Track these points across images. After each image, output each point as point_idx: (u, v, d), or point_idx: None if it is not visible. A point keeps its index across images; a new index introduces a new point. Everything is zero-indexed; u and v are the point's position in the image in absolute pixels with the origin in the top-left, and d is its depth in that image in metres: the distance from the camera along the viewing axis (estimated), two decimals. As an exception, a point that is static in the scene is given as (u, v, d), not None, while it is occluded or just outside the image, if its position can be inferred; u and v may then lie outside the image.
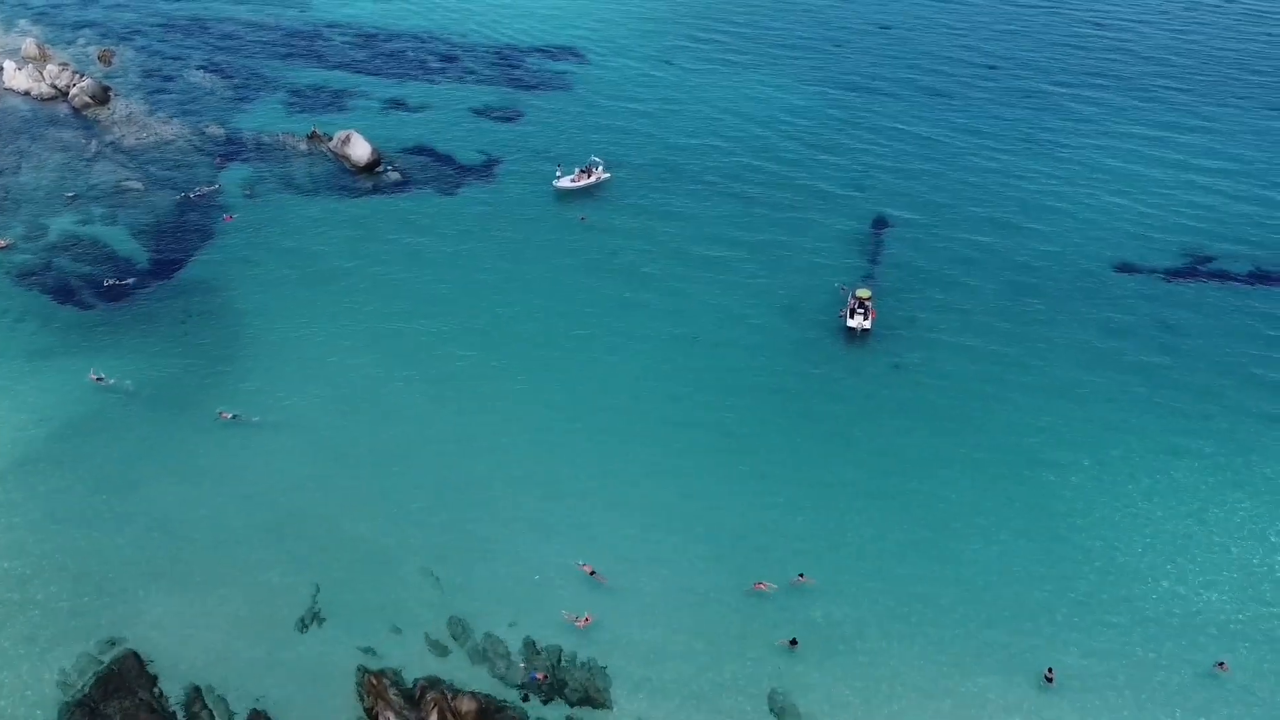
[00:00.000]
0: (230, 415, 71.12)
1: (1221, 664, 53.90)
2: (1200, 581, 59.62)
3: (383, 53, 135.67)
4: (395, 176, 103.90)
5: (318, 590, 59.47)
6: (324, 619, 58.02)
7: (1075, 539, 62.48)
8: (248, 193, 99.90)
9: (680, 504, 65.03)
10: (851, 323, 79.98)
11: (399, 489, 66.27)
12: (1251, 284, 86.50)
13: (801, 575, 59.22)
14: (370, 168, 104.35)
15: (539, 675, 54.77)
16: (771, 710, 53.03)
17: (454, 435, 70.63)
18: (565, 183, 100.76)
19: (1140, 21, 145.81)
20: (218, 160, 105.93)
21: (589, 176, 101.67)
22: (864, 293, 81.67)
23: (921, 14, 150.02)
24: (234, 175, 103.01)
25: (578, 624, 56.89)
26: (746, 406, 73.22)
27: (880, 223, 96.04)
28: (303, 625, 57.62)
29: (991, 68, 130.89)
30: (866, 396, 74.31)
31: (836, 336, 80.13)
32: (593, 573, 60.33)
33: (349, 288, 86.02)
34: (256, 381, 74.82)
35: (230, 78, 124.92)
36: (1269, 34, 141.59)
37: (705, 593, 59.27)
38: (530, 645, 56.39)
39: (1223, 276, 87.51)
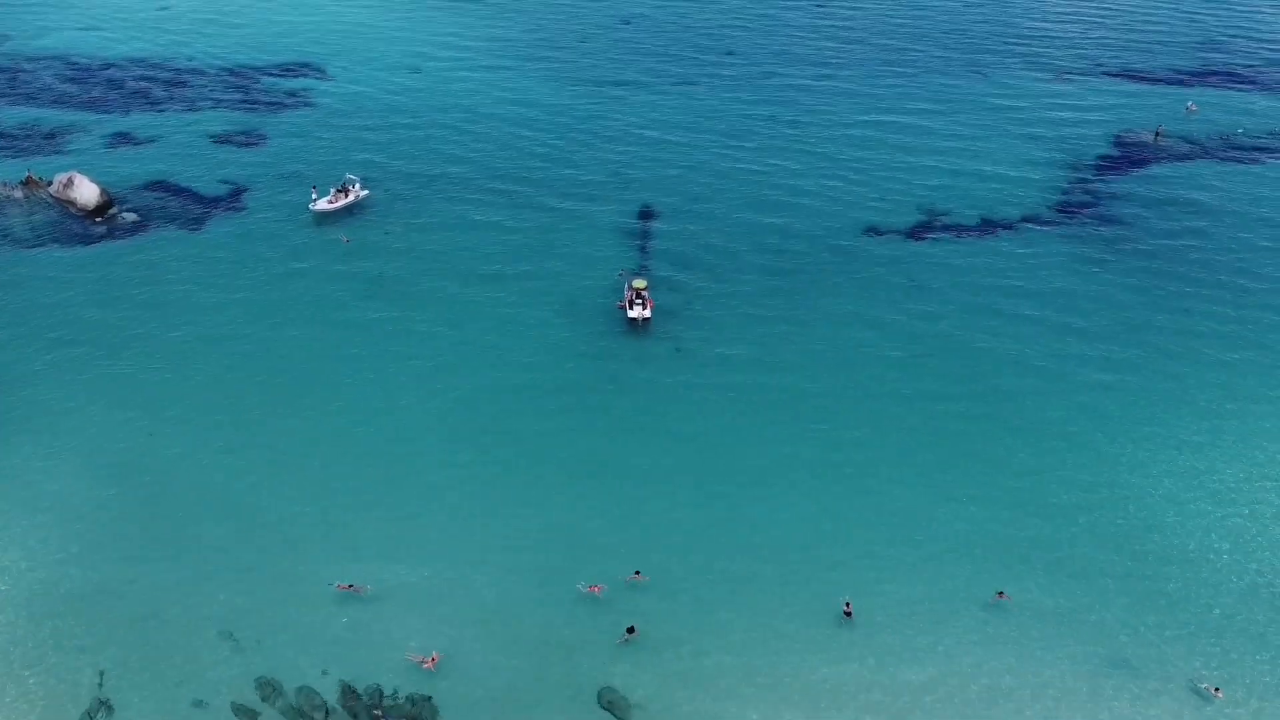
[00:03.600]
0: None
1: (1001, 593, 58.72)
2: (981, 518, 63.99)
3: (98, 83, 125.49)
4: (132, 217, 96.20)
5: (101, 676, 54.30)
6: (114, 708, 52.94)
7: (863, 493, 65.96)
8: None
9: (489, 521, 63.81)
10: (632, 313, 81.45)
11: (177, 550, 61.46)
12: (980, 233, 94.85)
13: (637, 573, 59.56)
14: (101, 210, 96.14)
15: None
16: (600, 705, 53.22)
17: (229, 486, 66.07)
18: (322, 205, 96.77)
19: (856, 8, 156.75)
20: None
21: (346, 196, 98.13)
22: (640, 283, 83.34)
23: (658, 8, 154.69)
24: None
25: (424, 664, 54.87)
26: (539, 410, 72.92)
27: (646, 213, 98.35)
28: (89, 719, 52.47)
29: (729, 54, 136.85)
30: (654, 384, 75.86)
31: (618, 329, 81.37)
32: (350, 587, 58.45)
33: (91, 344, 78.83)
34: (-3, 459, 67.46)
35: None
36: (972, 10, 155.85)
37: (533, 604, 58.37)
38: (348, 691, 53.94)
39: (957, 229, 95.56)
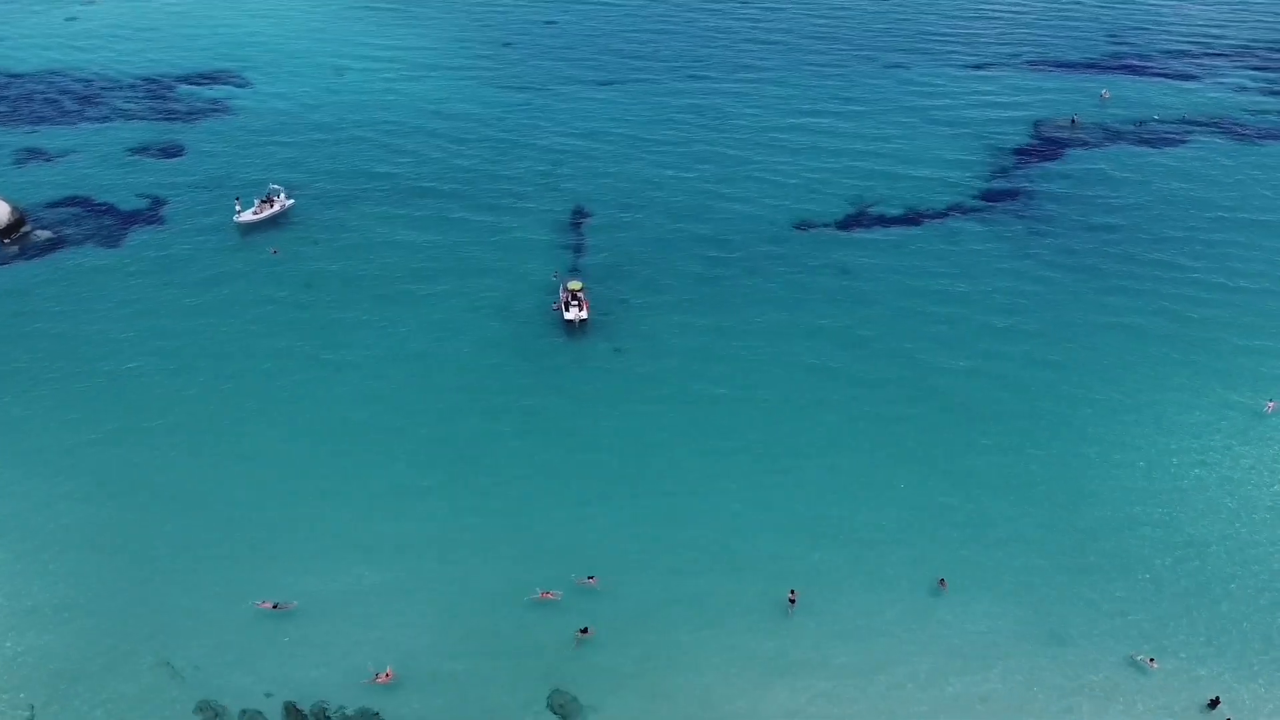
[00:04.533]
0: None
1: (942, 581, 59.76)
2: (919, 508, 64.79)
3: (5, 98, 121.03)
4: (46, 235, 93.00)
5: (32, 711, 52.32)
6: (46, 742, 51.25)
7: (803, 488, 66.41)
8: None
9: (434, 531, 62.94)
10: (569, 315, 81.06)
11: (105, 582, 59.52)
12: (908, 227, 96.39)
13: (591, 577, 59.28)
14: (12, 230, 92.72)
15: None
16: (551, 710, 52.86)
17: (158, 510, 64.18)
18: (247, 216, 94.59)
19: (778, 9, 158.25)
20: None
21: (271, 206, 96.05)
22: (575, 285, 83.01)
23: (582, 10, 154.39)
24: None
25: (379, 680, 53.75)
26: (479, 417, 72.16)
27: (578, 215, 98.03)
28: (20, 755, 50.62)
29: (654, 55, 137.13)
30: (594, 384, 75.62)
31: (555, 332, 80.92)
32: (275, 606, 57.34)
33: (6, 371, 75.95)
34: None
35: None
36: (892, 8, 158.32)
37: (484, 613, 57.70)
38: (292, 711, 52.74)
39: (884, 224, 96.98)
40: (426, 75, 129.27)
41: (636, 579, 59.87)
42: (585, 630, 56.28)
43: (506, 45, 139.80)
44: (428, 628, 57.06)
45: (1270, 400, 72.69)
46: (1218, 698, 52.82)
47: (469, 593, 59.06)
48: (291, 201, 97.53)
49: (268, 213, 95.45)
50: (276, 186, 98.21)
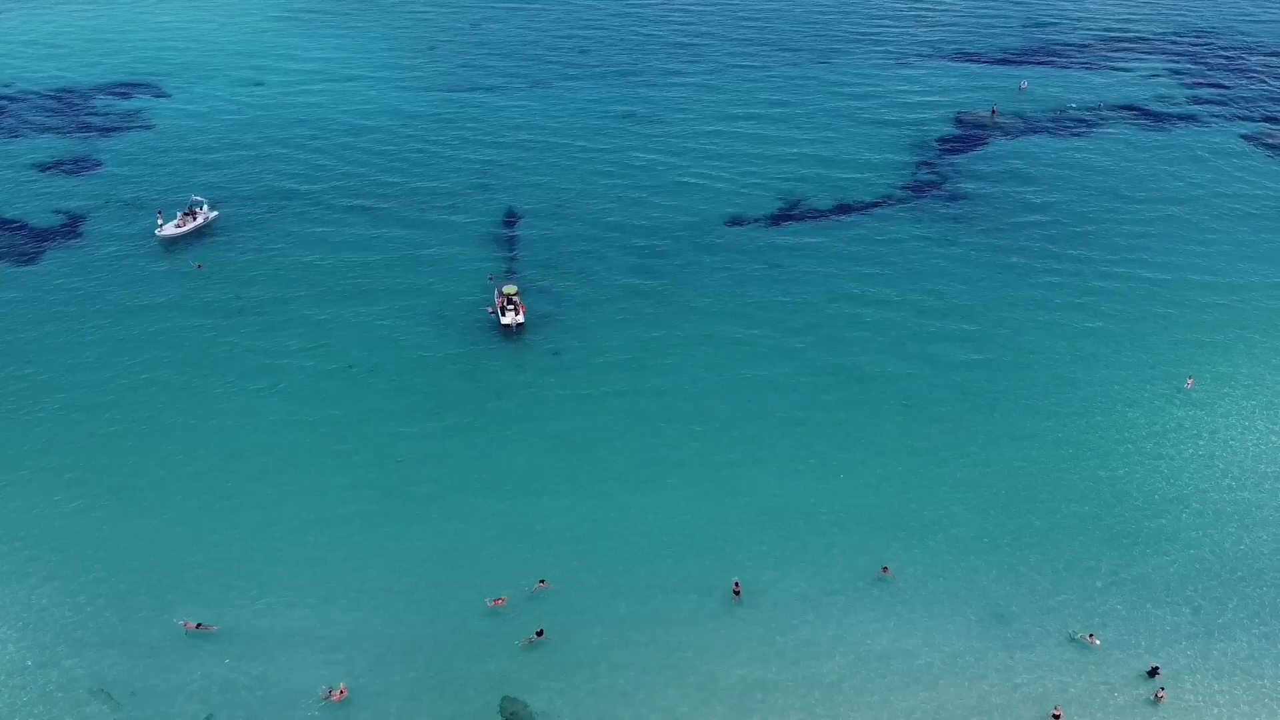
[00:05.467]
0: None
1: (885, 569, 60.42)
2: (860, 498, 65.60)
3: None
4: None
5: (-40, 753, 50.33)
6: (-24, 783, 49.23)
7: (744, 482, 66.92)
8: None
9: (379, 545, 61.92)
10: (505, 320, 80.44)
11: (28, 609, 57.47)
12: (838, 219, 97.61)
13: (542, 581, 59.01)
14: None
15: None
16: (504, 717, 52.40)
17: (91, 533, 62.32)
18: (169, 230, 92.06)
19: (704, 5, 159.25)
20: None
21: (194, 219, 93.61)
22: (510, 289, 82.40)
23: (506, 10, 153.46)
24: None
25: (333, 697, 52.66)
26: (419, 427, 71.24)
27: (510, 219, 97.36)
28: (-51, 799, 48.55)
29: (581, 54, 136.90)
30: (533, 388, 75.15)
31: (492, 337, 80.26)
32: (198, 626, 56.14)
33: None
34: None
35: None
36: (816, 4, 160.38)
37: (434, 625, 56.93)
38: (238, 735, 51.55)
39: (815, 217, 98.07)
40: (350, 82, 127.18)
41: (584, 582, 59.62)
42: (540, 633, 55.98)
43: (432, 48, 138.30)
44: (377, 642, 56.05)
45: (1190, 376, 75.20)
46: (1157, 667, 54.46)
47: (418, 604, 58.24)
48: (215, 214, 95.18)
49: (191, 226, 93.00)
50: (199, 199, 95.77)
